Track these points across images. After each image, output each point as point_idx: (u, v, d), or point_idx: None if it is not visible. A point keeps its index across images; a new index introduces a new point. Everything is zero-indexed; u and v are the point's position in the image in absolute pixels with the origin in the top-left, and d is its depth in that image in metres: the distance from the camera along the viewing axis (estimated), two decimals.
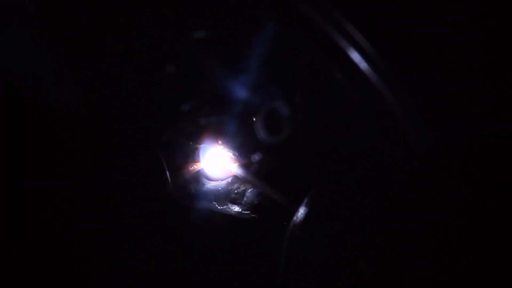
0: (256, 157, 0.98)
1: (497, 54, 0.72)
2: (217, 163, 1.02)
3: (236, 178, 1.02)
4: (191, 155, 1.01)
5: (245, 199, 1.01)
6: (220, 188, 1.02)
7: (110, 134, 0.88)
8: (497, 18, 0.71)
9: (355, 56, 0.80)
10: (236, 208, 1.00)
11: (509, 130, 0.70)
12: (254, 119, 0.97)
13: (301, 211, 0.74)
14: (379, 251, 0.63)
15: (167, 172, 0.91)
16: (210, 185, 1.02)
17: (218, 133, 0.99)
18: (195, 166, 0.99)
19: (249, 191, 1.01)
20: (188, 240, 0.88)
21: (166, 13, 0.88)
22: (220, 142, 1.01)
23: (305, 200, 0.75)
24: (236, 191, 1.02)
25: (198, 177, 1.00)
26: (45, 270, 0.78)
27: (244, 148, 1.00)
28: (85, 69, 0.85)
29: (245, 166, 1.00)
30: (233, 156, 1.01)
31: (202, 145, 1.02)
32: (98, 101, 0.87)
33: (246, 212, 0.98)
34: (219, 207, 0.99)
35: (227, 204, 1.00)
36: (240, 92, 0.95)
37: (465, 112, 0.75)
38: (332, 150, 0.95)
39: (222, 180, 1.03)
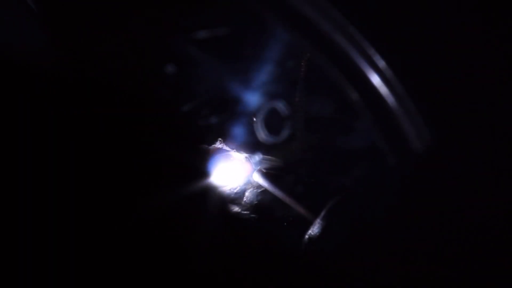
0: (257, 158, 0.98)
1: (497, 54, 0.72)
2: (227, 166, 1.01)
3: (243, 182, 1.01)
4: (197, 157, 1.00)
5: (252, 202, 1.00)
6: (230, 192, 1.01)
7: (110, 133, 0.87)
8: (497, 18, 0.71)
9: (356, 56, 0.80)
10: (243, 211, 0.99)
11: (509, 130, 0.70)
12: (254, 119, 0.97)
13: (317, 225, 0.75)
14: (393, 259, 0.64)
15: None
16: (219, 189, 1.01)
17: (219, 134, 0.99)
18: (205, 169, 0.98)
19: (256, 194, 1.01)
20: (198, 243, 0.88)
21: (167, 13, 0.88)
22: (222, 143, 1.00)
23: (322, 214, 0.76)
24: (244, 195, 1.01)
25: (208, 180, 0.99)
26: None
27: (244, 149, 1.00)
28: (87, 70, 0.85)
29: (254, 169, 0.99)
30: (242, 159, 1.01)
31: (207, 147, 1.02)
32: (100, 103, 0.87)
33: (252, 215, 0.98)
34: (230, 212, 0.98)
35: (236, 208, 1.00)
36: (240, 92, 0.95)
37: (465, 112, 0.75)
38: (332, 150, 0.95)
39: (232, 183, 1.01)
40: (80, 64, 0.84)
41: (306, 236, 0.75)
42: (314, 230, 0.75)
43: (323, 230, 0.73)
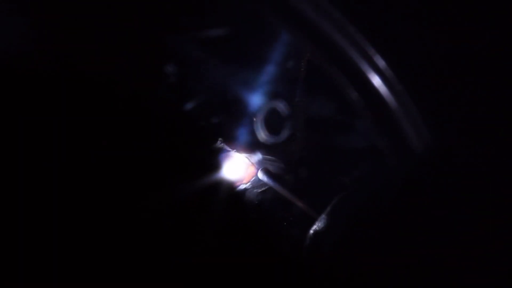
0: (257, 158, 0.98)
1: (497, 54, 0.72)
2: (227, 166, 1.00)
3: (244, 181, 1.01)
4: (197, 157, 1.00)
5: (252, 201, 1.00)
6: (231, 192, 1.00)
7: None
8: (497, 18, 0.71)
9: (355, 56, 0.80)
10: (244, 211, 0.99)
11: (509, 130, 0.70)
12: (254, 119, 0.97)
13: (323, 221, 0.75)
14: (397, 258, 0.64)
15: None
16: (220, 188, 1.00)
17: (220, 134, 0.99)
18: (205, 169, 0.98)
19: (257, 193, 1.01)
20: (200, 240, 0.88)
21: (167, 13, 0.88)
22: (222, 143, 1.00)
23: (328, 210, 0.76)
24: (245, 194, 1.01)
25: (209, 179, 0.98)
26: None
27: (244, 149, 1.00)
28: (85, 70, 0.85)
29: (254, 169, 0.99)
30: (243, 159, 1.00)
31: (209, 147, 1.01)
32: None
33: (253, 215, 0.98)
34: (231, 211, 0.98)
35: (237, 207, 0.99)
36: (241, 92, 0.95)
37: (465, 112, 0.75)
38: (332, 150, 0.95)
39: (232, 183, 1.01)
40: (78, 64, 0.84)
41: (311, 231, 0.75)
42: (319, 225, 0.75)
43: (329, 225, 0.73)
